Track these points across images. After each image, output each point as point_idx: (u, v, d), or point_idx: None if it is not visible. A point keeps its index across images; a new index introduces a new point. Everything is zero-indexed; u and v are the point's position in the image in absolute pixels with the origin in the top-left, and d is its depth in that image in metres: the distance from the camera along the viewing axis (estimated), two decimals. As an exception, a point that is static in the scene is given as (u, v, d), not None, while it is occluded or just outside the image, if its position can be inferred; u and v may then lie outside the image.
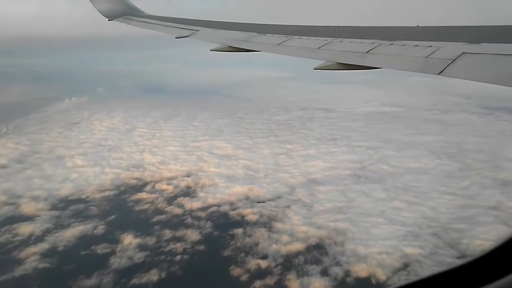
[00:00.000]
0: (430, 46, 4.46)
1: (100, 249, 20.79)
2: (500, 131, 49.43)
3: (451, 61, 3.90)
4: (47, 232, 22.61)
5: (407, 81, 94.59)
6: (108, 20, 12.64)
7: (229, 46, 7.34)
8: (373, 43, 5.21)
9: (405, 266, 20.12)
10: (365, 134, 48.73)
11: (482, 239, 22.70)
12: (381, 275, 19.26)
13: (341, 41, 5.79)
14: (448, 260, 20.81)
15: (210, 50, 7.63)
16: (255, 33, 7.57)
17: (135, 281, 18.12)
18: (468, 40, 4.20)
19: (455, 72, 3.73)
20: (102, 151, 39.13)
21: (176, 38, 8.96)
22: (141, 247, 21.05)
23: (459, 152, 40.71)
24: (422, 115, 61.85)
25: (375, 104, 70.23)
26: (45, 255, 20.18)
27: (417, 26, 5.70)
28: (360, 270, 19.55)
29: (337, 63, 5.05)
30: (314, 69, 5.26)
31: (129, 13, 12.65)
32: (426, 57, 4.24)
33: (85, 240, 21.82)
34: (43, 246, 21.03)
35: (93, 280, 17.98)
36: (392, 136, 47.12)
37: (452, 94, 75.43)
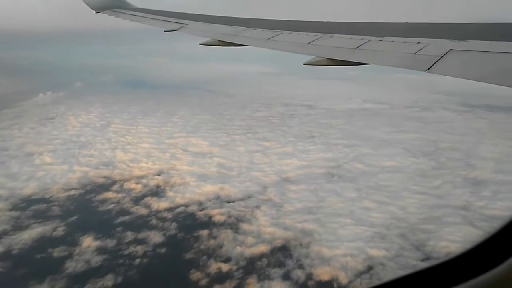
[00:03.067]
0: (419, 42, 4.47)
1: (57, 252, 20.08)
2: (477, 130, 49.83)
3: (439, 58, 3.90)
4: (3, 234, 21.79)
5: (393, 78, 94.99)
6: (95, 12, 12.27)
7: (219, 40, 7.32)
8: (362, 39, 5.24)
9: (369, 269, 19.91)
10: (344, 131, 48.60)
11: (448, 241, 22.67)
12: (343, 279, 19.01)
13: (331, 37, 5.81)
14: (413, 263, 20.67)
15: (199, 44, 7.58)
16: (245, 28, 7.55)
17: (88, 286, 17.50)
18: (455, 37, 4.18)
19: (442, 69, 3.74)
20: (73, 148, 38.18)
21: (164, 31, 8.86)
22: (99, 250, 20.41)
23: (434, 150, 40.82)
24: (402, 112, 62.02)
25: (357, 100, 70.28)
26: (-3, 259, 19.45)
27: (406, 22, 5.73)
28: (323, 273, 19.26)
29: (327, 58, 5.08)
30: (304, 64, 5.28)
31: (116, 6, 12.35)
32: (415, 53, 4.25)
33: (43, 243, 21.07)
34: (-3, 249, 20.28)
35: (44, 286, 17.32)
36: (370, 134, 47.06)
37: (435, 91, 76.01)
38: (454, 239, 22.82)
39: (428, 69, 3.78)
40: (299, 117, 57.13)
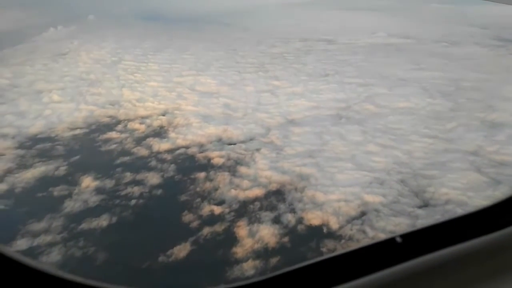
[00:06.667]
0: None
1: (57, 191, 20.81)
2: (506, 67, 46.49)
3: None
4: (8, 172, 22.63)
5: (427, 8, 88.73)
6: None
7: None
8: None
9: (362, 214, 19.80)
10: (361, 69, 46.38)
11: (449, 187, 22.07)
12: (334, 224, 19.04)
13: None
14: (408, 210, 20.39)
15: None
16: None
17: (83, 226, 18.25)
18: None
19: None
20: (82, 85, 38.22)
21: None
22: (98, 190, 21.00)
23: (455, 90, 38.64)
24: (428, 47, 58.11)
25: (382, 35, 65.92)
26: (1, 196, 20.40)
27: None
28: (314, 218, 19.31)
29: None
30: None
31: None
32: None
33: (44, 182, 21.82)
34: (1, 187, 21.19)
35: (42, 224, 18.17)
36: (388, 72, 44.81)
37: (470, 24, 70.53)
38: (456, 185, 22.17)
39: None
40: (316, 54, 54.55)
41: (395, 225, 19.08)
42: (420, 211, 20.10)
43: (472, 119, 31.56)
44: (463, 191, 21.53)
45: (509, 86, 38.76)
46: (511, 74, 43.68)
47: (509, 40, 57.89)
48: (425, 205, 20.69)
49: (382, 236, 18.56)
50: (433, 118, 31.86)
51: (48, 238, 17.32)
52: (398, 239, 1.52)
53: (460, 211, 20.46)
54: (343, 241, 17.91)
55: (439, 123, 30.90)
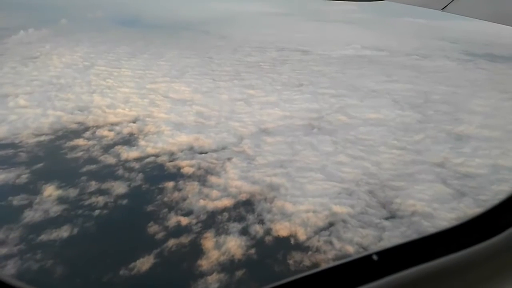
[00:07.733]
0: None
1: (17, 200, 19.95)
2: (473, 81, 48.14)
3: None
4: (-35, 180, 21.65)
5: (400, 22, 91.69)
6: None
7: None
8: None
9: (329, 225, 19.83)
10: (335, 80, 47.09)
11: (416, 199, 22.45)
12: (302, 235, 18.98)
13: None
14: (376, 221, 20.58)
15: None
16: None
17: (42, 237, 17.51)
18: None
19: (457, 8, 3.44)
20: (50, 90, 37.15)
21: None
22: (60, 200, 20.26)
23: (424, 102, 39.72)
24: (400, 60, 59.76)
25: (356, 47, 67.41)
26: (-45, 206, 19.43)
27: None
28: (282, 229, 19.22)
29: None
30: None
31: None
32: None
33: (4, 190, 20.91)
34: (-44, 196, 20.21)
35: (-2, 236, 17.37)
36: (361, 83, 45.62)
37: (440, 38, 73.24)
38: (422, 197, 22.59)
39: (443, 8, 3.50)
40: (291, 63, 55.18)
41: (362, 236, 19.21)
42: (386, 223, 20.32)
43: (439, 131, 32.44)
44: (429, 203, 21.95)
45: (476, 99, 40.17)
46: (478, 87, 45.25)
47: (476, 55, 60.30)
48: (392, 216, 20.95)
49: (349, 248, 18.70)
50: (402, 130, 32.55)
51: (3, 250, 16.53)
52: (375, 257, 1.51)
53: (425, 223, 20.87)
54: (310, 252, 17.87)
55: (408, 134, 31.58)
